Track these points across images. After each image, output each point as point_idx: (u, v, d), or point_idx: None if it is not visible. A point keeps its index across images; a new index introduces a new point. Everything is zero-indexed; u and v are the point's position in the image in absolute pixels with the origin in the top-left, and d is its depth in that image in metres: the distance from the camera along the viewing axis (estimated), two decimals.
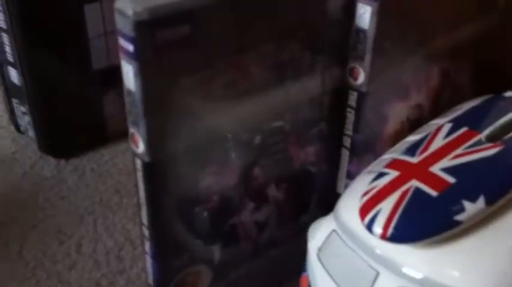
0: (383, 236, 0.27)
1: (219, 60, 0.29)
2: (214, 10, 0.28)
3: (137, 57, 0.26)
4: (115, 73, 0.28)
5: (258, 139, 0.33)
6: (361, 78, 0.33)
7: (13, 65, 0.50)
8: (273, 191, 0.35)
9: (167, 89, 0.28)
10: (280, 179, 0.35)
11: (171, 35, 0.27)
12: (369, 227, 0.27)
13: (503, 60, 0.43)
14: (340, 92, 0.34)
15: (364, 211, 0.28)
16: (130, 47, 0.26)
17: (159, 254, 0.32)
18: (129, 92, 0.28)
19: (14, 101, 0.53)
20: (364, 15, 0.32)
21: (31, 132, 0.53)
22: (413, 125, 0.36)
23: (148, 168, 0.29)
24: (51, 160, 0.52)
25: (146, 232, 0.32)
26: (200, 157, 0.31)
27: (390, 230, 0.27)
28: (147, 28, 0.26)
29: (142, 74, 0.27)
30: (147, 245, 0.32)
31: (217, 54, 0.29)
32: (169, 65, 0.27)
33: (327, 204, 0.33)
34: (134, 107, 0.28)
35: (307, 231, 0.32)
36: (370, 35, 0.32)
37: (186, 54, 0.28)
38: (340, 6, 0.32)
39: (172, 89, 0.28)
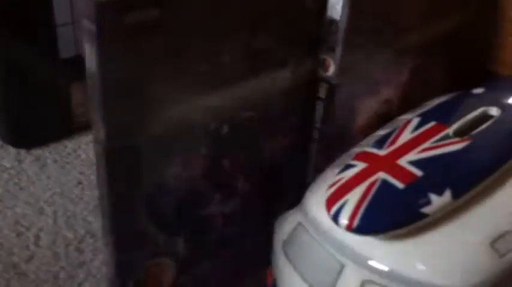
0: (349, 227, 0.26)
1: (190, 48, 0.28)
2: None
3: (100, 39, 0.25)
4: (83, 63, 0.28)
5: (225, 128, 0.32)
6: (332, 70, 0.33)
7: None
8: (241, 183, 0.34)
9: (132, 75, 0.27)
10: (249, 171, 0.35)
11: (138, 18, 0.26)
12: (335, 218, 0.27)
13: (474, 58, 0.44)
14: (311, 84, 0.34)
15: (330, 201, 0.27)
16: (93, 28, 0.25)
17: (120, 246, 0.31)
18: (91, 75, 0.27)
19: None
20: (336, 6, 0.31)
21: None
22: (382, 120, 0.36)
23: (109, 156, 0.28)
24: (12, 149, 0.51)
25: (107, 223, 0.31)
26: (166, 147, 0.30)
27: (356, 221, 0.26)
28: (111, 9, 0.25)
29: (104, 56, 0.26)
30: (108, 237, 0.31)
31: (188, 42, 0.28)
32: (135, 50, 0.26)
33: (296, 197, 0.32)
34: (95, 91, 0.27)
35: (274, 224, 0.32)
36: (342, 27, 0.32)
37: (155, 40, 0.27)
38: None
39: (137, 75, 0.27)
